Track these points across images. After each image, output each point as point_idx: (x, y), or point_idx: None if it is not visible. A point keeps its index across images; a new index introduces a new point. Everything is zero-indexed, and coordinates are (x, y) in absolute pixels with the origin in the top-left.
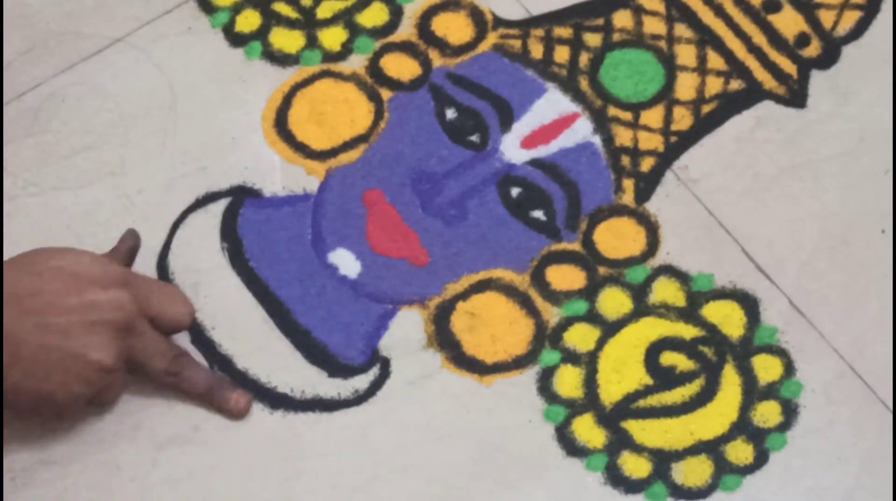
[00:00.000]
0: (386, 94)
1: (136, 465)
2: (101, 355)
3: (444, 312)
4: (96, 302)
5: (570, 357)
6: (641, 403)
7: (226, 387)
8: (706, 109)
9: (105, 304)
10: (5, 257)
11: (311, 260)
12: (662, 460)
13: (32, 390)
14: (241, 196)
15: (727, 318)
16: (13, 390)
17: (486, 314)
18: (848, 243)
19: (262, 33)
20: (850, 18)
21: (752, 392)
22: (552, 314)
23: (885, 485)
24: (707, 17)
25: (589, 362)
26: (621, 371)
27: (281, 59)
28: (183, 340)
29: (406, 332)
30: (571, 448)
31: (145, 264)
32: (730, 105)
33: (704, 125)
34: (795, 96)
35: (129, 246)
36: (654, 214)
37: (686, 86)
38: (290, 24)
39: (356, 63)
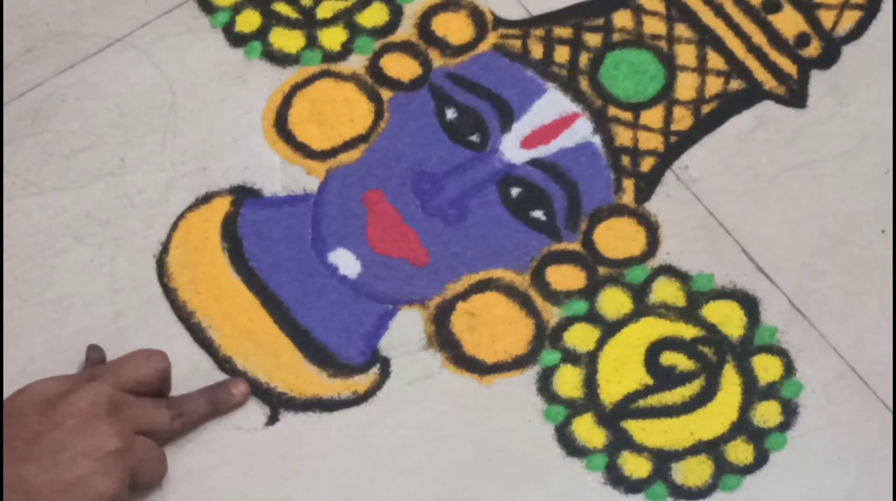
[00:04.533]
0: (386, 94)
1: None
2: (108, 441)
3: (444, 312)
4: (74, 405)
5: (570, 357)
6: (641, 403)
7: (221, 389)
8: (706, 109)
9: (83, 401)
10: (5, 257)
11: (311, 260)
12: (662, 460)
13: None
14: (242, 196)
15: (727, 318)
16: None
17: (486, 314)
18: (848, 243)
19: (262, 33)
20: (850, 18)
21: (752, 392)
22: (552, 314)
23: (885, 485)
24: (707, 17)
25: (589, 362)
26: (621, 371)
27: (281, 59)
28: (184, 339)
29: (406, 332)
30: (571, 448)
31: (145, 264)
32: (730, 105)
33: (704, 125)
34: (795, 96)
35: (93, 362)
36: (654, 214)
37: (686, 86)
38: (290, 24)
39: (356, 63)
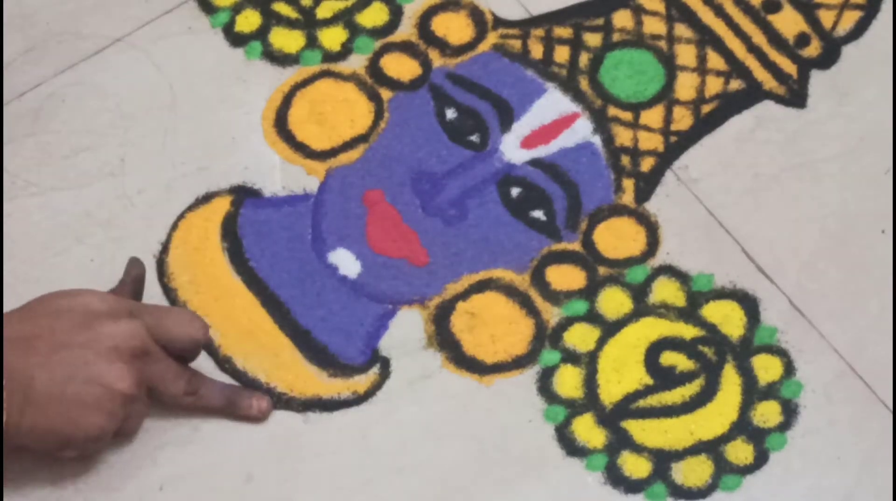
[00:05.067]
0: (386, 94)
1: (136, 465)
2: (122, 384)
3: (444, 312)
4: (108, 333)
5: (570, 357)
6: (641, 403)
7: (243, 395)
8: (706, 109)
9: (118, 334)
10: (5, 257)
11: (311, 260)
12: (662, 460)
13: (53, 429)
14: (241, 196)
15: (727, 318)
16: (31, 430)
17: (486, 314)
18: (848, 243)
19: (262, 33)
20: (850, 18)
21: (752, 392)
22: (552, 314)
23: (885, 485)
24: (707, 17)
25: (589, 362)
26: (621, 371)
27: (281, 59)
28: None
29: (406, 332)
30: (571, 447)
31: (145, 264)
32: (730, 105)
33: (704, 125)
34: (795, 96)
35: (133, 275)
36: (654, 214)
37: (686, 86)
38: (290, 24)
39: (356, 63)
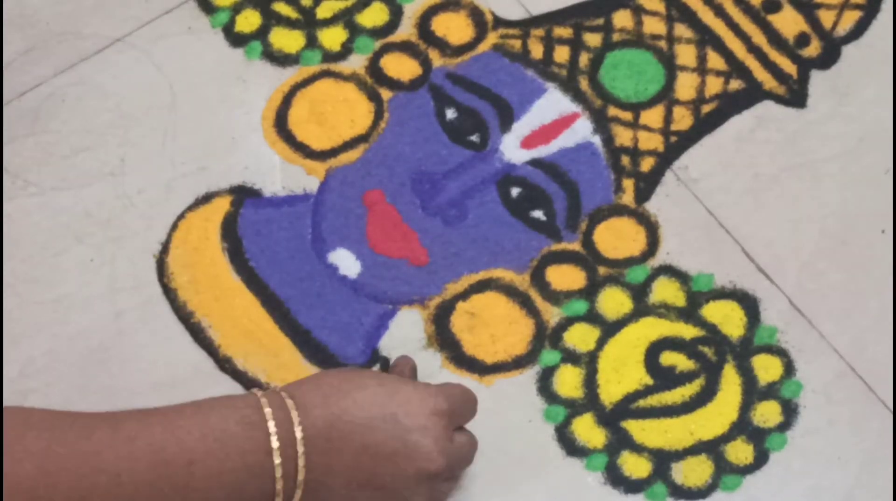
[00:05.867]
0: (386, 94)
1: None
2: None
3: (444, 312)
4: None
5: (570, 357)
6: (641, 403)
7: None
8: (706, 109)
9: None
10: (5, 257)
11: (311, 260)
12: (662, 460)
13: None
14: (241, 196)
15: (727, 318)
16: None
17: (486, 314)
18: (848, 243)
19: (262, 33)
20: (850, 18)
21: (752, 392)
22: (552, 314)
23: (885, 485)
24: (707, 17)
25: (589, 362)
26: (621, 371)
27: (281, 59)
28: (184, 339)
29: (406, 332)
30: (571, 447)
31: (145, 265)
32: (730, 105)
33: (704, 125)
34: (795, 96)
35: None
36: (654, 214)
37: (686, 86)
38: (290, 24)
39: (356, 63)
